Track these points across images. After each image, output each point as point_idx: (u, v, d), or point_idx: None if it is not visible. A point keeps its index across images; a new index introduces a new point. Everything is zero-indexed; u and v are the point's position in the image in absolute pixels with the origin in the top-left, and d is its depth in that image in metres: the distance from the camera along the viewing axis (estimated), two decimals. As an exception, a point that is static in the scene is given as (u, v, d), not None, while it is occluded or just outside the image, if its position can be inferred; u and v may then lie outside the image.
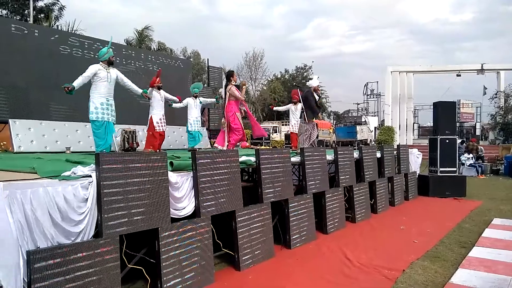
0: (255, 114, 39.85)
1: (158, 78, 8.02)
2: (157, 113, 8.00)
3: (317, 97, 8.86)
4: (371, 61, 71.61)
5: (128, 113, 10.07)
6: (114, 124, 6.38)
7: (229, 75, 7.89)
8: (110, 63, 6.23)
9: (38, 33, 8.82)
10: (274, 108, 11.20)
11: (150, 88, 7.88)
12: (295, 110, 10.04)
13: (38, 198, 2.75)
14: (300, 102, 9.15)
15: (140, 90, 6.85)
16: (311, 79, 9.27)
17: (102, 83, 6.07)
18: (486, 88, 29.09)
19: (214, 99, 10.29)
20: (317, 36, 72.42)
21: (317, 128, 9.15)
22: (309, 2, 74.96)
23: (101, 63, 6.15)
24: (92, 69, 6.00)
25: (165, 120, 8.22)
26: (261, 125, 27.94)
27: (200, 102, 9.31)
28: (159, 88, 8.07)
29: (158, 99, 8.02)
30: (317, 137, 9.08)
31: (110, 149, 6.29)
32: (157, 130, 7.99)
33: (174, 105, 8.90)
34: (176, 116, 11.05)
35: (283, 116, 29.77)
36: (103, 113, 6.10)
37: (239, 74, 40.34)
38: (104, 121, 6.12)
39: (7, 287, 2.47)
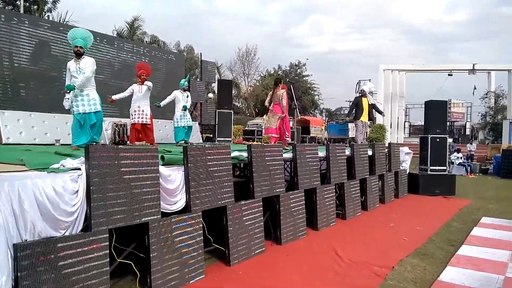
0: (248, 110, 39.81)
1: (140, 71, 7.85)
2: (132, 105, 7.73)
3: (369, 101, 9.75)
4: (364, 59, 71.64)
5: (119, 107, 10.00)
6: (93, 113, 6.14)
7: (280, 80, 8.61)
8: (75, 54, 6.04)
9: (28, 23, 8.67)
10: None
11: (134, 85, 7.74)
12: None
13: (26, 190, 2.70)
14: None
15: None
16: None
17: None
18: (476, 89, 29.46)
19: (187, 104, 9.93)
20: (311, 33, 72.41)
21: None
22: (304, 0, 74.79)
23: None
24: (69, 63, 5.98)
25: (142, 112, 7.75)
26: (253, 121, 27.96)
27: (187, 97, 9.18)
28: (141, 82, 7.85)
29: (136, 91, 7.82)
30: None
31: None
32: (132, 122, 7.69)
33: (162, 103, 8.75)
34: (167, 110, 10.98)
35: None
36: (79, 105, 5.99)
37: (231, 70, 40.24)
38: (83, 113, 5.98)
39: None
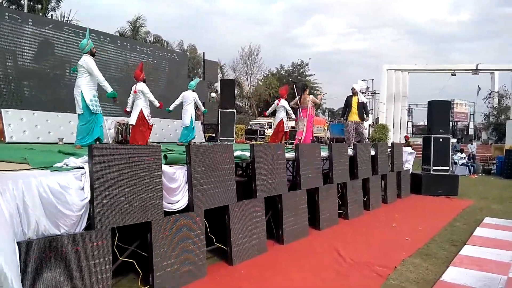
0: (251, 109, 39.81)
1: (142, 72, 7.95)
2: (146, 106, 7.85)
3: (359, 99, 9.44)
4: (367, 59, 71.64)
5: (122, 106, 10.03)
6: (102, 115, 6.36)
7: (306, 86, 9.48)
8: (92, 55, 6.17)
9: (32, 22, 8.71)
10: (267, 113, 11.54)
11: (142, 83, 7.79)
12: (279, 107, 10.26)
13: (30, 188, 2.71)
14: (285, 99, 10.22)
15: (110, 89, 6.31)
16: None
17: (92, 76, 6.05)
18: (480, 89, 29.29)
19: (203, 110, 10.07)
20: (312, 33, 72.33)
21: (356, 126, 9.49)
22: (306, 0, 74.66)
23: (87, 55, 6.08)
24: (93, 62, 6.02)
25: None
26: (256, 120, 27.95)
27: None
28: (144, 81, 7.93)
29: (146, 92, 7.90)
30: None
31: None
32: (150, 124, 7.89)
33: (171, 107, 9.19)
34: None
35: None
36: (96, 105, 6.10)
37: (234, 69, 40.22)
38: (95, 113, 6.09)
39: (9, 273, 2.43)
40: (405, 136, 21.81)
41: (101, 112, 6.28)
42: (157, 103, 7.96)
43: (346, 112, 9.46)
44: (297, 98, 8.96)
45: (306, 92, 8.97)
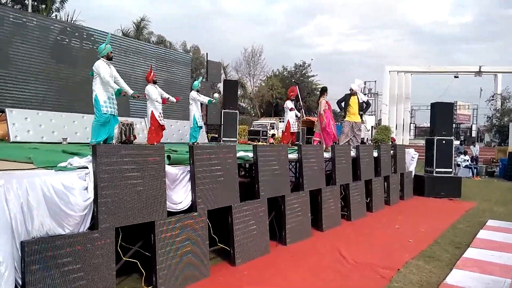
0: (253, 110, 39.81)
1: (152, 73, 8.04)
2: (158, 107, 7.96)
3: (360, 99, 9.26)
4: (370, 60, 71.30)
5: (126, 106, 10.06)
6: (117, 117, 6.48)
7: (324, 90, 9.39)
8: (109, 58, 6.26)
9: (36, 22, 8.74)
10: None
11: (149, 85, 7.89)
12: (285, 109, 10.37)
13: (34, 188, 2.72)
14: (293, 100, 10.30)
15: (131, 91, 6.59)
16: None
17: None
18: (481, 92, 29.22)
19: (206, 101, 9.80)
20: (313, 34, 72.05)
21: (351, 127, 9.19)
22: (308, 0, 74.49)
23: (102, 59, 6.15)
24: (104, 66, 6.08)
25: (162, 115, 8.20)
26: (258, 121, 27.95)
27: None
28: (154, 82, 8.03)
29: (156, 93, 7.97)
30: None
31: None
32: (161, 124, 8.02)
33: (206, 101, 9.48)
34: (175, 110, 11.05)
35: (281, 113, 29.64)
36: (110, 107, 6.18)
37: (237, 70, 40.25)
38: (109, 114, 6.20)
39: (5, 274, 2.44)
40: (392, 138, 21.82)
41: (117, 115, 6.39)
42: (173, 99, 8.19)
43: (344, 109, 9.20)
44: (319, 101, 9.13)
45: (324, 95, 9.08)
